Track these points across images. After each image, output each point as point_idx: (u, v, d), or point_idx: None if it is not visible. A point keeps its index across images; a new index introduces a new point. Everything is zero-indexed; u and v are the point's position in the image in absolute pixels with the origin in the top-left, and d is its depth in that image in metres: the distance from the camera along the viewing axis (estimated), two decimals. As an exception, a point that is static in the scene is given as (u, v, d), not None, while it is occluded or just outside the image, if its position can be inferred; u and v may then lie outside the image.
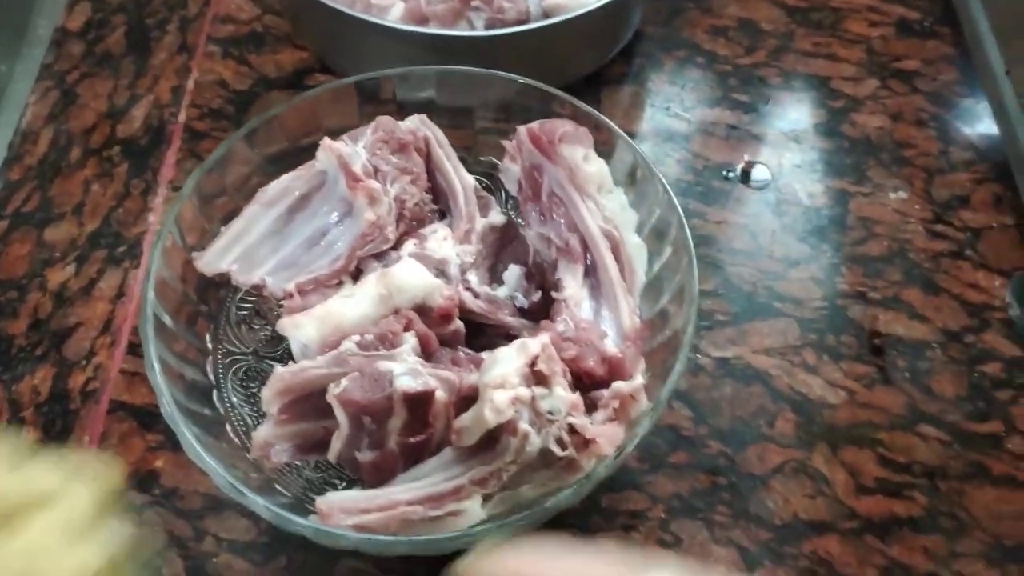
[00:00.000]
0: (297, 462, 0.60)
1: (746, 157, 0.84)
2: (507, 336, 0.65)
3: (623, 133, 0.66)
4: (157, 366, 0.55)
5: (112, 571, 0.28)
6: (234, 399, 0.62)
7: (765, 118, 0.87)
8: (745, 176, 0.83)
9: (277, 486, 0.58)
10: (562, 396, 0.54)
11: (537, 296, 0.66)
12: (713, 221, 0.80)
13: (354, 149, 0.65)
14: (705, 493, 0.66)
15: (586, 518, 0.65)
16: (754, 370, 0.72)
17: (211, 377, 0.62)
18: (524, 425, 0.53)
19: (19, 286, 0.73)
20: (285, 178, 0.65)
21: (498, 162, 0.73)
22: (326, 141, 0.64)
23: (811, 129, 0.86)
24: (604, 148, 0.67)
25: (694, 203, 0.81)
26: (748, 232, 0.79)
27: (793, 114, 0.87)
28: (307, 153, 0.66)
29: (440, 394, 0.56)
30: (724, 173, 0.83)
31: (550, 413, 0.54)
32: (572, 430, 0.55)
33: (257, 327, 0.67)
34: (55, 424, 0.67)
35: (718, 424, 0.69)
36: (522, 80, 0.68)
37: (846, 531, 0.65)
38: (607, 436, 0.55)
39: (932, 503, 0.66)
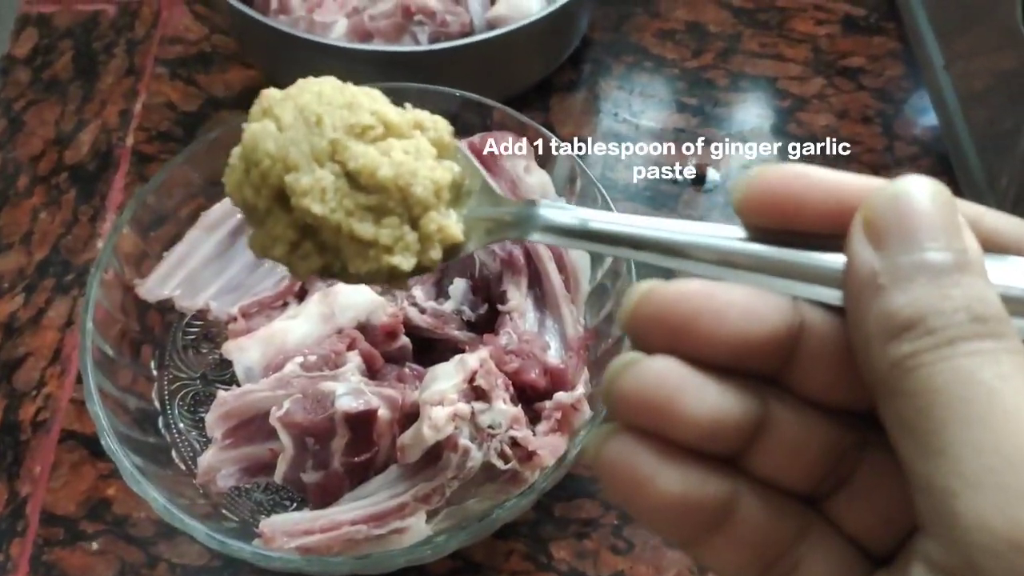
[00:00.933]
0: (246, 485, 0.60)
1: (695, 160, 0.85)
2: (456, 350, 0.65)
3: (561, 142, 0.67)
4: (96, 397, 0.55)
5: (456, 188, 0.35)
6: (181, 425, 0.62)
7: (714, 120, 0.87)
8: (696, 179, 0.84)
9: (225, 511, 0.58)
10: (502, 410, 0.55)
11: (484, 309, 0.67)
12: (662, 225, 0.80)
13: (294, 170, 0.65)
14: (657, 498, 0.67)
15: (539, 527, 0.65)
16: (705, 373, 0.72)
17: (156, 404, 0.62)
18: (464, 440, 0.53)
19: (-33, 318, 0.73)
20: (227, 201, 0.65)
21: (443, 176, 0.73)
22: (265, 163, 0.64)
23: (758, 129, 0.87)
24: (544, 159, 0.67)
25: (643, 208, 0.82)
26: (697, 235, 0.80)
27: (740, 115, 0.88)
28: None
29: (383, 412, 0.56)
30: (673, 177, 0.84)
31: (490, 427, 0.54)
32: (514, 443, 0.55)
33: (205, 351, 0.67)
34: (6, 456, 0.67)
35: (669, 428, 0.70)
36: (459, 94, 0.68)
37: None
38: (549, 447, 0.56)
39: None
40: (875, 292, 0.25)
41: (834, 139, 0.85)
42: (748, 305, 0.27)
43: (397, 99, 0.72)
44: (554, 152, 0.67)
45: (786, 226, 0.28)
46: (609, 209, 0.63)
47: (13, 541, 0.64)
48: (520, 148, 0.66)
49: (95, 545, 0.64)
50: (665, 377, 0.26)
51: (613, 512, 0.66)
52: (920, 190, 0.26)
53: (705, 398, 0.26)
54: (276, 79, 0.90)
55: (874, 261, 0.25)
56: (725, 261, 0.29)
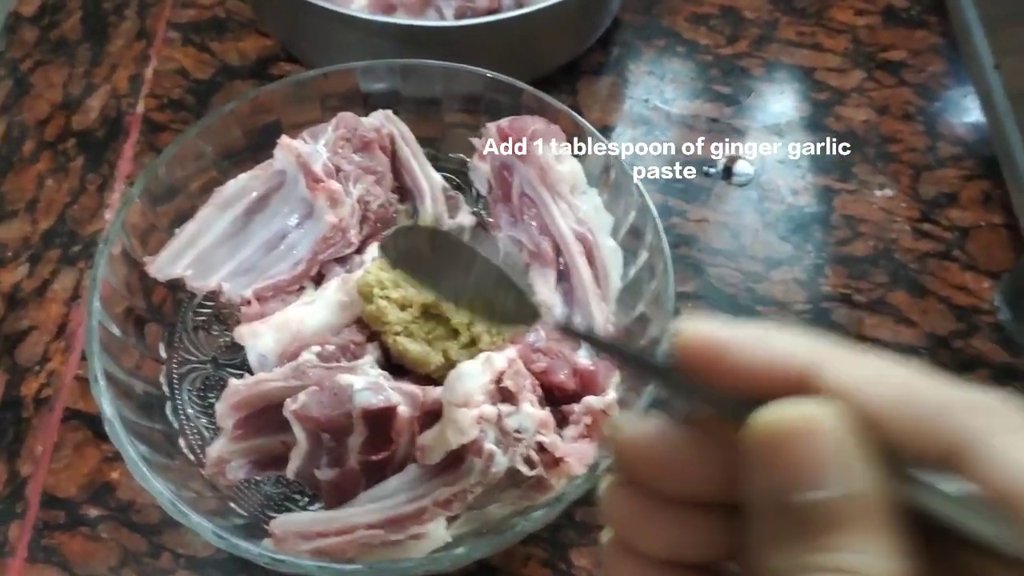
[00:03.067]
0: (256, 478, 0.58)
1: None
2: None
3: (596, 131, 0.63)
4: (102, 381, 0.52)
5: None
6: (190, 411, 0.59)
7: (747, 111, 0.84)
8: (727, 172, 0.81)
9: (233, 504, 0.56)
10: (530, 413, 0.52)
11: (508, 301, 0.64)
12: (693, 220, 0.77)
13: (314, 148, 0.62)
14: (680, 505, 0.64)
15: (559, 532, 0.63)
16: (733, 376, 0.69)
17: (165, 388, 0.59)
18: (490, 445, 0.51)
19: (-32, 288, 0.70)
20: (242, 178, 0.62)
21: (468, 159, 0.70)
22: (284, 140, 0.61)
23: (795, 122, 0.83)
24: (577, 146, 0.64)
25: (673, 200, 0.78)
26: (729, 231, 0.77)
27: (776, 107, 0.85)
28: (266, 149, 0.63)
29: (403, 409, 0.53)
30: (705, 169, 0.80)
31: (517, 431, 0.52)
32: (541, 448, 0.53)
33: (216, 333, 0.64)
34: (7, 433, 0.64)
35: (695, 432, 0.67)
36: (489, 74, 0.65)
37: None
38: (578, 454, 0.53)
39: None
40: None
41: (874, 136, 0.82)
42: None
43: (421, 77, 0.69)
44: (588, 142, 0.63)
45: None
46: (647, 206, 0.60)
47: (12, 523, 0.61)
48: (551, 136, 0.63)
49: (97, 531, 0.61)
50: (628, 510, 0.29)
51: (634, 518, 0.64)
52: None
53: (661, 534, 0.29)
54: (292, 49, 0.87)
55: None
56: None
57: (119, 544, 0.61)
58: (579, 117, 0.64)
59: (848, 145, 0.81)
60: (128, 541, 0.61)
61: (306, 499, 0.59)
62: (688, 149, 0.81)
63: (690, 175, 0.80)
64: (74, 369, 0.67)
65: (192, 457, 0.57)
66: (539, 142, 0.63)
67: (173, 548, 0.61)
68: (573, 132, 0.64)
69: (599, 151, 0.63)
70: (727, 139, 0.82)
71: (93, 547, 0.60)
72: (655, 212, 0.59)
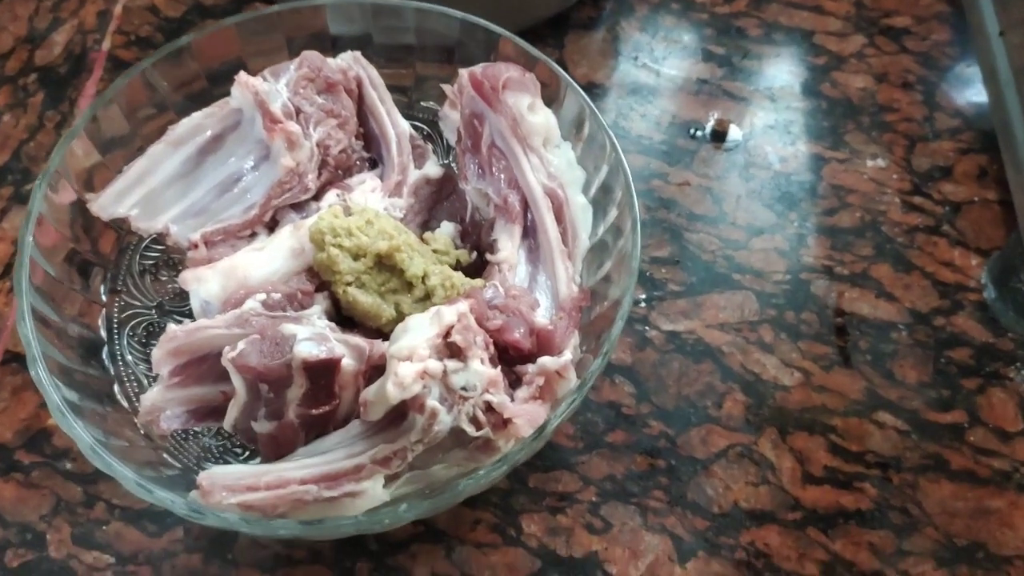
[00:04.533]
0: (194, 429, 0.55)
1: (716, 115, 0.78)
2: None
3: (572, 81, 0.60)
4: (29, 319, 0.49)
5: None
6: (129, 357, 0.57)
7: (741, 73, 0.81)
8: (716, 136, 0.77)
9: (167, 456, 0.53)
10: (478, 371, 0.49)
11: (472, 257, 0.61)
12: (675, 183, 0.74)
13: (274, 86, 0.59)
14: (641, 476, 0.62)
15: (510, 497, 0.60)
16: (705, 346, 0.67)
17: (103, 332, 0.56)
18: (432, 402, 0.48)
19: (-87, 222, 0.68)
20: (196, 116, 0.59)
21: (439, 108, 0.67)
22: (242, 76, 0.58)
23: (789, 87, 0.80)
24: (552, 97, 0.61)
25: (656, 162, 0.75)
26: (711, 196, 0.74)
27: (771, 70, 0.81)
28: (226, 89, 0.60)
29: (347, 363, 0.51)
30: (692, 131, 0.77)
31: (464, 389, 0.49)
32: (489, 408, 0.50)
33: (164, 278, 0.61)
34: (-57, 374, 0.62)
35: (662, 403, 0.64)
36: (464, 17, 0.62)
37: (788, 522, 0.60)
38: (528, 416, 0.50)
39: (883, 496, 0.62)
40: None
41: (870, 104, 0.79)
42: None
43: (393, 19, 0.66)
44: (564, 92, 0.60)
45: None
46: (619, 161, 0.57)
47: (-57, 466, 0.59)
48: (525, 85, 0.60)
49: (30, 477, 0.59)
50: None
51: (592, 487, 0.61)
52: None
53: None
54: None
55: None
56: None
57: (53, 492, 0.58)
58: (556, 66, 0.60)
59: (842, 112, 0.78)
60: (62, 489, 0.59)
61: (246, 453, 0.56)
62: (676, 110, 0.78)
63: (675, 137, 0.77)
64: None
65: (127, 405, 0.54)
66: (512, 91, 0.59)
67: (108, 499, 0.58)
68: (549, 82, 0.61)
69: (575, 103, 0.60)
70: (717, 102, 0.79)
71: (25, 494, 0.58)
72: (627, 167, 0.56)
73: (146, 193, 0.57)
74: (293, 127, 0.58)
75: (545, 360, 0.52)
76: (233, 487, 0.48)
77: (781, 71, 0.81)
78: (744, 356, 0.66)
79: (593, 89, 0.79)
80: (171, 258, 0.62)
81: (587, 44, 0.82)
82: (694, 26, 0.83)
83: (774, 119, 0.78)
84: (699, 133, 0.77)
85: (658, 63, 0.81)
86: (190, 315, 0.60)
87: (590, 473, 0.62)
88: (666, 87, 0.80)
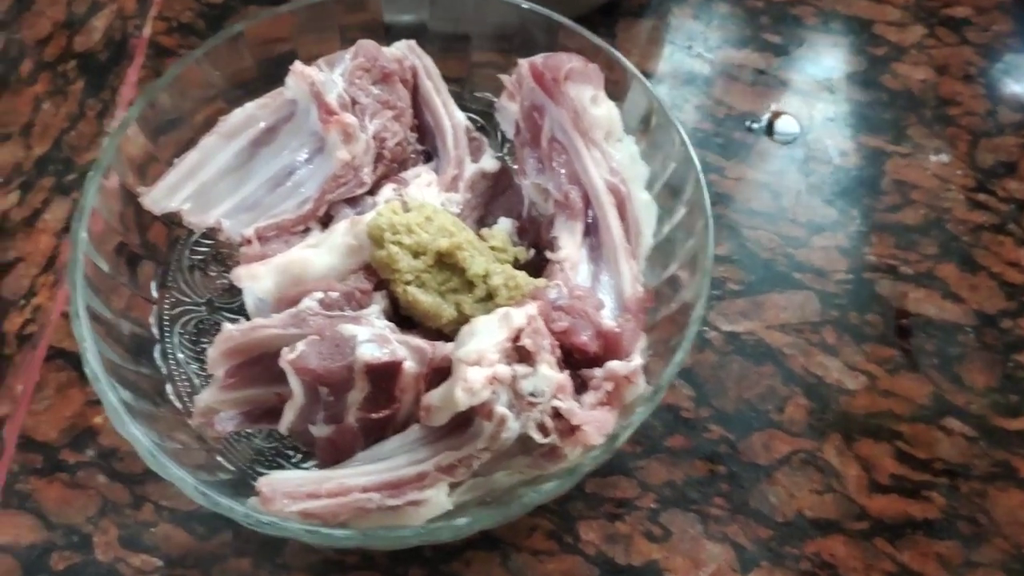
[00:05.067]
0: (246, 431, 0.54)
1: (773, 107, 0.76)
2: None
3: (639, 73, 0.58)
4: (83, 317, 0.48)
5: None
6: (180, 356, 0.55)
7: (797, 63, 0.78)
8: (770, 128, 0.75)
9: (220, 458, 0.52)
10: (547, 376, 0.47)
11: (530, 254, 0.59)
12: (731, 177, 0.72)
13: (329, 77, 0.57)
14: (702, 483, 0.60)
15: (567, 503, 0.58)
16: (766, 347, 0.65)
17: (154, 330, 0.55)
18: (501, 408, 0.46)
19: (-45, 212, 0.66)
20: (249, 106, 0.57)
21: (495, 99, 0.65)
22: (297, 66, 0.56)
23: (847, 78, 0.77)
24: (616, 90, 0.59)
25: (712, 156, 0.73)
26: (770, 191, 0.71)
27: (829, 60, 0.78)
28: (280, 81, 0.58)
29: (409, 365, 0.49)
30: (748, 124, 0.75)
31: (532, 395, 0.47)
32: (556, 414, 0.48)
33: (213, 274, 0.60)
34: (-13, 369, 0.61)
35: (722, 406, 0.62)
36: (525, 5, 0.60)
37: (854, 532, 0.58)
38: (596, 423, 0.48)
39: (951, 505, 0.60)
40: None
41: (931, 97, 0.76)
42: None
43: (449, 9, 0.64)
44: (628, 83, 0.58)
45: None
46: (690, 158, 0.55)
47: (-13, 465, 0.58)
48: (588, 77, 0.57)
49: (76, 478, 0.58)
50: None
51: (651, 494, 0.59)
52: None
53: None
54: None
55: None
56: None
57: (99, 493, 0.57)
58: (622, 57, 0.58)
59: (903, 105, 0.75)
60: (108, 490, 0.57)
61: (299, 456, 0.55)
62: (731, 101, 0.76)
63: (731, 129, 0.74)
64: (61, 305, 0.63)
65: (180, 405, 0.53)
66: (575, 82, 0.57)
67: (156, 500, 0.57)
68: (613, 73, 0.59)
69: (641, 96, 0.58)
70: (773, 93, 0.76)
71: (71, 495, 0.57)
72: (698, 165, 0.54)
73: (198, 187, 0.56)
74: (349, 119, 0.56)
75: (614, 365, 0.50)
76: (294, 494, 0.46)
77: (840, 61, 0.78)
78: (806, 358, 0.64)
79: (646, 79, 0.76)
80: (220, 253, 0.60)
81: (638, 32, 0.79)
82: (749, 14, 0.80)
83: (833, 111, 0.75)
84: (755, 125, 0.75)
85: (712, 52, 0.79)
86: (240, 311, 0.58)
87: (649, 479, 0.60)
88: (721, 77, 0.77)
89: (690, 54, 0.78)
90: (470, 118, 0.63)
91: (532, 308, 0.48)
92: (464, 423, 0.48)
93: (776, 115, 0.75)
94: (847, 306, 0.66)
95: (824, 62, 0.78)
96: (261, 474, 0.52)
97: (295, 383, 0.48)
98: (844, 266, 0.68)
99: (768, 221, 0.70)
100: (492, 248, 0.56)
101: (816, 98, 0.76)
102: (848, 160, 0.73)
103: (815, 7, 0.81)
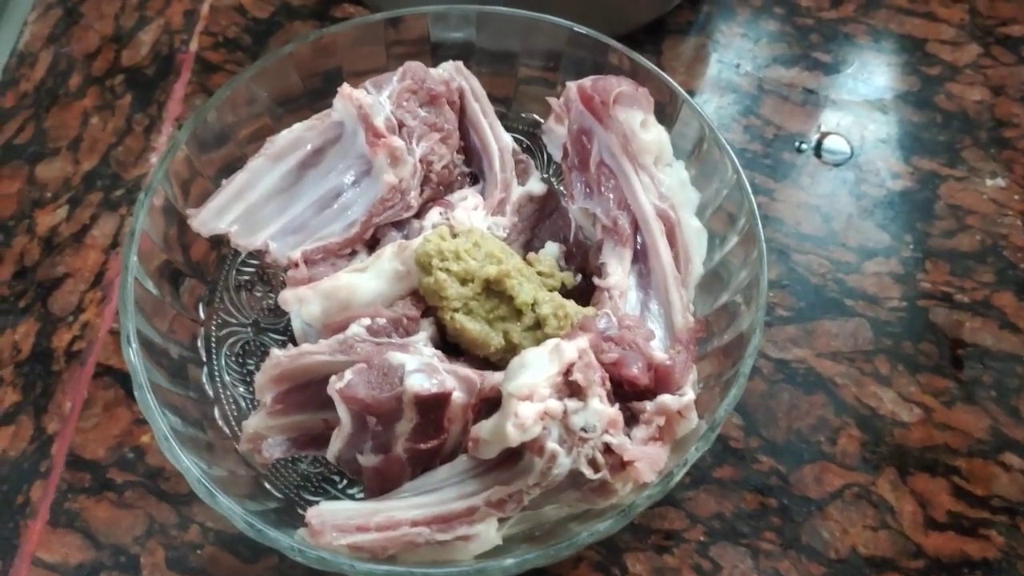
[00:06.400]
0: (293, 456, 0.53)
1: (823, 127, 0.74)
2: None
3: (690, 98, 0.57)
4: (135, 344, 0.48)
5: None
6: (227, 377, 0.55)
7: (848, 82, 0.76)
8: (819, 148, 0.73)
9: (267, 485, 0.51)
10: (599, 410, 0.47)
11: (577, 279, 0.58)
12: (781, 199, 0.71)
13: (377, 99, 0.56)
14: (752, 516, 0.59)
15: (614, 534, 0.57)
16: (817, 376, 0.63)
17: (202, 353, 0.55)
18: (552, 444, 0.45)
19: (5, 228, 0.66)
20: (297, 128, 0.57)
21: (541, 120, 0.64)
22: (345, 88, 0.56)
23: (900, 98, 0.76)
24: (666, 114, 0.58)
25: (760, 177, 0.72)
26: (820, 214, 0.70)
27: (881, 79, 0.77)
28: (324, 96, 0.58)
29: (458, 395, 0.48)
30: (797, 144, 0.73)
31: (583, 430, 0.46)
32: (608, 449, 0.47)
33: (259, 294, 0.59)
34: (35, 386, 0.61)
35: (772, 436, 0.61)
36: (576, 28, 0.59)
37: (910, 571, 0.57)
38: (648, 459, 0.48)
39: (1011, 545, 0.58)
40: None
41: (987, 119, 0.74)
42: None
43: (497, 30, 0.63)
44: (678, 107, 0.57)
45: None
46: (743, 186, 0.54)
47: (35, 483, 0.58)
48: (638, 100, 0.56)
49: (124, 497, 0.58)
50: None
51: (700, 526, 0.58)
52: None
53: None
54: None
55: None
56: None
57: (146, 513, 0.57)
58: (672, 81, 0.57)
59: (958, 126, 0.74)
60: (156, 511, 0.57)
61: (345, 481, 0.54)
62: (780, 121, 0.74)
63: (780, 150, 0.73)
64: (109, 322, 0.63)
65: (227, 430, 0.53)
66: (624, 106, 0.56)
67: (203, 521, 0.57)
68: (663, 97, 0.58)
69: (692, 120, 0.57)
70: (824, 113, 0.75)
71: (119, 514, 0.57)
72: (751, 195, 0.53)
73: (246, 208, 0.55)
74: (397, 142, 0.55)
75: (666, 399, 0.49)
76: (343, 527, 0.45)
77: (892, 81, 0.77)
78: (859, 388, 0.63)
79: (692, 97, 0.75)
80: (265, 273, 0.60)
81: (685, 50, 0.78)
82: (799, 32, 0.79)
83: (886, 132, 0.74)
84: (805, 146, 0.73)
85: (760, 70, 0.77)
86: (285, 331, 0.58)
87: (697, 510, 0.59)
88: (770, 96, 0.76)
89: (738, 72, 0.77)
90: (515, 138, 0.62)
91: (583, 341, 0.47)
92: (514, 457, 0.47)
93: (825, 135, 0.74)
94: (901, 335, 0.65)
95: (876, 81, 0.76)
96: (308, 501, 0.52)
97: (343, 412, 0.48)
98: (897, 293, 0.67)
99: (818, 245, 0.69)
100: (539, 273, 0.55)
101: (868, 118, 0.74)
102: (901, 183, 0.71)
103: (867, 25, 0.79)
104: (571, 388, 0.47)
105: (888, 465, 0.60)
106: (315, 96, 0.61)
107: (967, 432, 0.61)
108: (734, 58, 0.78)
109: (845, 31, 0.79)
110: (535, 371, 0.46)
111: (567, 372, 0.46)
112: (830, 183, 0.72)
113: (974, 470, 0.60)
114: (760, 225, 0.52)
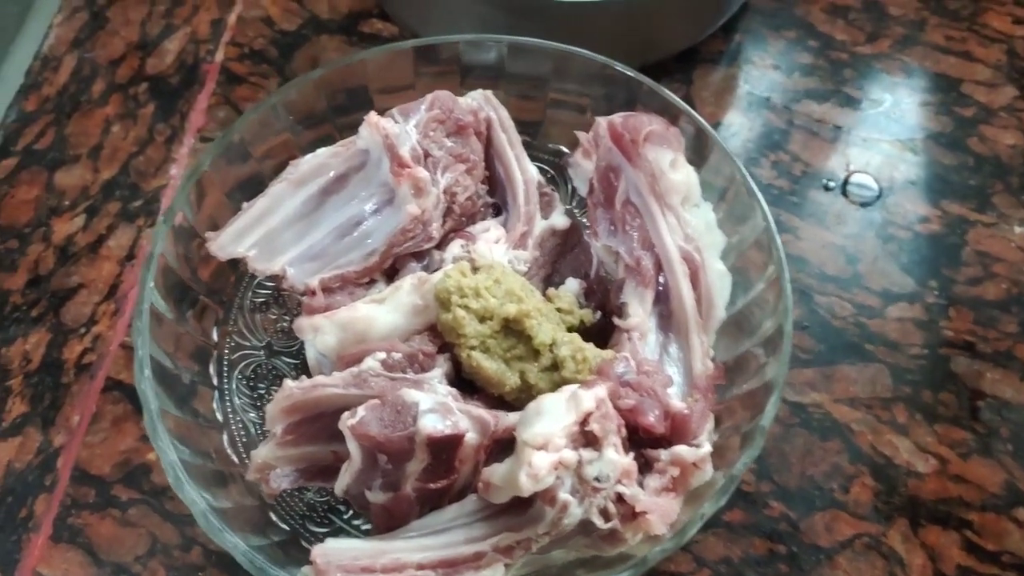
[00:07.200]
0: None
1: (851, 165, 0.73)
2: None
3: (722, 142, 0.56)
4: (148, 371, 0.47)
5: None
6: (237, 401, 0.55)
7: (880, 120, 0.75)
8: (845, 186, 0.72)
9: (272, 515, 0.51)
10: (613, 460, 0.46)
11: (596, 316, 0.57)
12: (805, 239, 0.70)
13: (404, 128, 0.55)
14: (760, 562, 0.58)
15: None
16: (833, 422, 0.62)
17: (213, 377, 0.54)
18: (565, 495, 0.45)
19: (21, 235, 0.66)
20: (321, 153, 0.56)
21: (565, 150, 0.64)
22: (372, 117, 0.55)
23: (932, 139, 0.74)
24: (696, 154, 0.57)
25: (785, 215, 0.71)
26: (845, 255, 0.69)
27: (913, 119, 0.75)
28: (347, 113, 0.58)
29: (471, 436, 0.48)
30: (824, 182, 0.72)
31: (597, 480, 0.46)
32: (619, 499, 0.46)
33: (274, 316, 0.59)
34: (43, 398, 0.60)
35: (784, 482, 0.60)
36: (618, 67, 0.58)
37: (920, 629, 0.56)
38: (660, 511, 0.47)
39: (1023, 605, 0.57)
40: None
41: (1020, 164, 0.73)
42: None
43: (528, 58, 0.62)
44: (710, 149, 0.56)
45: None
46: (772, 235, 0.53)
47: (39, 496, 0.58)
48: (668, 139, 0.56)
49: (127, 515, 0.57)
50: None
51: (707, 569, 0.58)
52: None
53: None
54: (388, 7, 0.80)
55: None
56: None
57: (149, 532, 0.57)
58: (703, 121, 0.56)
59: (990, 171, 0.72)
60: (159, 530, 0.57)
61: (350, 512, 0.54)
62: (808, 158, 0.73)
63: (807, 188, 0.72)
64: (121, 335, 0.63)
65: (234, 457, 0.52)
66: (654, 145, 0.55)
67: (204, 543, 0.56)
68: (693, 137, 0.57)
69: (723, 163, 0.56)
70: (853, 151, 0.74)
71: (121, 532, 0.56)
72: (779, 243, 0.52)
73: (265, 233, 0.55)
74: (422, 173, 0.54)
75: (682, 450, 0.48)
76: (349, 568, 0.45)
77: (924, 121, 0.75)
78: (875, 436, 0.62)
79: (720, 129, 0.74)
80: (280, 295, 0.59)
81: (715, 80, 0.77)
82: (832, 66, 0.78)
83: (915, 174, 0.73)
84: (833, 184, 0.72)
85: (791, 104, 0.76)
86: (297, 355, 0.58)
87: (704, 554, 0.58)
88: (799, 132, 0.75)
89: (767, 105, 0.76)
90: (540, 167, 0.61)
91: (601, 390, 0.47)
92: (525, 503, 0.46)
93: (853, 173, 0.73)
94: (920, 383, 0.64)
95: (908, 120, 0.75)
96: (313, 533, 0.51)
97: (354, 448, 0.48)
98: (919, 340, 0.66)
99: (841, 287, 0.68)
100: (558, 310, 0.55)
101: (898, 158, 0.73)
102: (928, 227, 0.70)
103: (901, 61, 0.78)
104: (587, 438, 0.46)
105: (900, 516, 0.59)
106: (338, 112, 0.60)
107: (981, 486, 0.60)
108: (765, 90, 0.77)
109: (879, 67, 0.78)
110: (551, 420, 0.45)
111: (584, 422, 0.46)
112: (856, 223, 0.70)
113: (986, 524, 0.59)
114: (787, 275, 0.52)
